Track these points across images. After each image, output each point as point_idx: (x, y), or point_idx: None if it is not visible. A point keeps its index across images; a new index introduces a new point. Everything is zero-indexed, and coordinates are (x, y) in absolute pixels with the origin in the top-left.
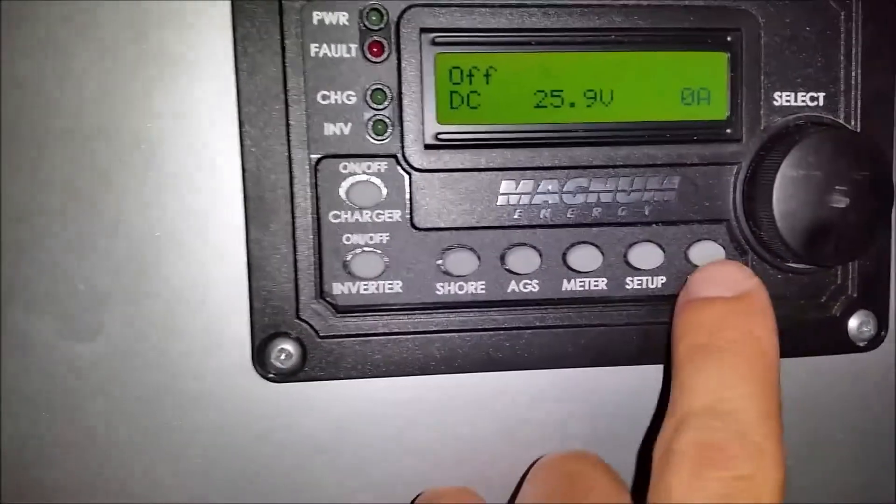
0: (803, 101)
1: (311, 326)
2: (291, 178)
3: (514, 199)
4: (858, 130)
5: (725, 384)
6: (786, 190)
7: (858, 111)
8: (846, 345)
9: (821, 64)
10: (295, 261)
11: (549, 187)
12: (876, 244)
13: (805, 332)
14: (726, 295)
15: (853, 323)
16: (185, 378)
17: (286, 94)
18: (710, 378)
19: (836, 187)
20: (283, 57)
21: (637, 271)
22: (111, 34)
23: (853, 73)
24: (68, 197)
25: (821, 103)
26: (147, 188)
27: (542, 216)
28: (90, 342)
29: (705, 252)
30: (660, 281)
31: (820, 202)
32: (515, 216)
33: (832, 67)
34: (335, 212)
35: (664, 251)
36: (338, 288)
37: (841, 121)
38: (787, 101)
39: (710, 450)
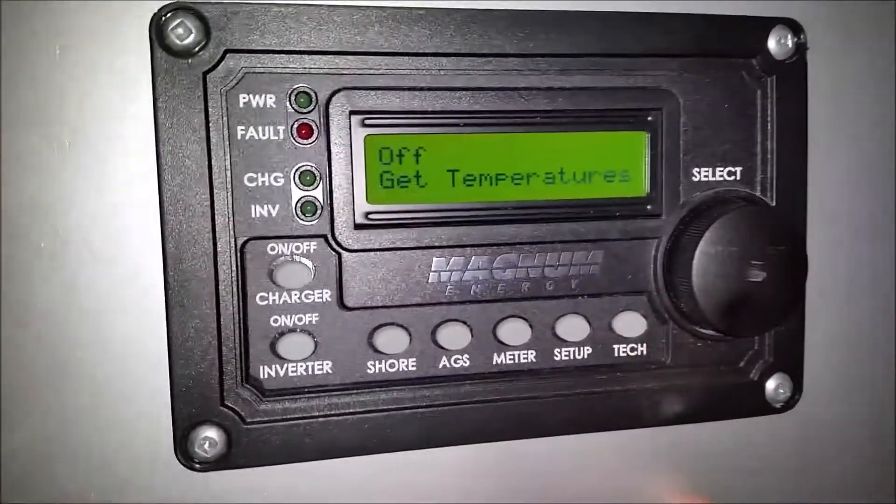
0: (721, 175)
1: (236, 413)
2: (216, 261)
3: (445, 276)
4: (774, 203)
5: None
6: (704, 265)
7: (774, 184)
8: (764, 407)
9: (738, 140)
10: (219, 346)
11: (480, 264)
12: (791, 315)
13: (724, 396)
14: None
15: (770, 386)
16: (109, 469)
17: (210, 177)
18: None
19: (753, 262)
20: (208, 139)
21: (564, 343)
22: (24, 117)
23: (769, 148)
24: None
25: (738, 177)
26: (66, 273)
27: (472, 292)
28: (10, 432)
29: (628, 322)
30: (586, 351)
31: (737, 276)
32: (447, 293)
33: (749, 143)
34: (262, 293)
35: (590, 323)
36: (265, 371)
37: (758, 194)
38: (706, 176)
39: None
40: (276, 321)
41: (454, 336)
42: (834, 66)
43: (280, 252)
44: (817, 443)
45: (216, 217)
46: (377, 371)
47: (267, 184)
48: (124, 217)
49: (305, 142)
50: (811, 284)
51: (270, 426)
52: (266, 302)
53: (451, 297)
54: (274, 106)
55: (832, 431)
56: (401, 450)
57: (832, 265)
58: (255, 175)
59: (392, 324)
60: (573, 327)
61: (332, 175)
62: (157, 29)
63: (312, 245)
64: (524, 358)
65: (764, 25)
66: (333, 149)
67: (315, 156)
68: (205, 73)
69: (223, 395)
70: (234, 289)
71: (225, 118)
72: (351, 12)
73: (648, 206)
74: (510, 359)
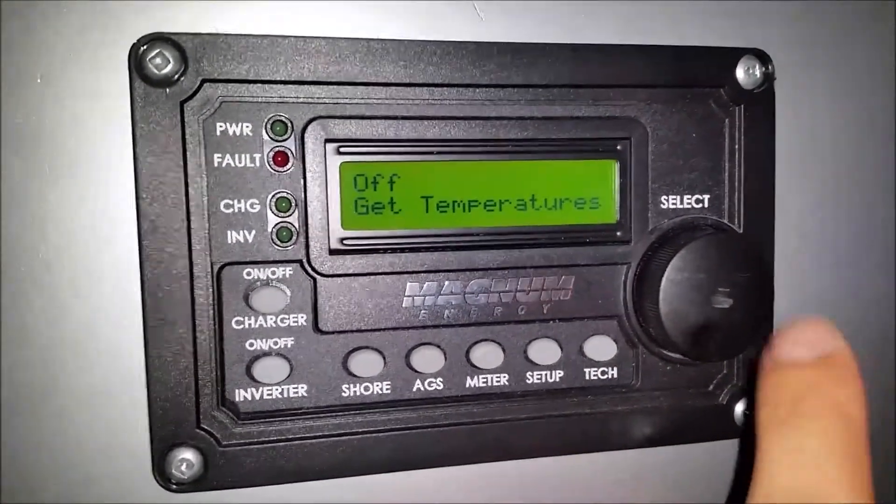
0: (689, 203)
1: (211, 435)
2: (192, 285)
3: (418, 301)
4: (741, 230)
5: (809, 461)
6: (671, 291)
7: (742, 212)
8: (733, 430)
9: (706, 168)
10: (196, 369)
11: (453, 289)
12: (758, 340)
13: (693, 419)
14: (809, 357)
15: (739, 409)
16: (90, 487)
17: (188, 203)
18: (793, 454)
19: (720, 289)
20: (186, 167)
21: (536, 366)
22: (5, 143)
23: (736, 176)
24: None
25: (706, 205)
26: (46, 294)
27: (445, 316)
28: None
29: (599, 346)
30: (558, 375)
31: (704, 303)
32: (420, 317)
33: (716, 171)
34: (238, 318)
35: (561, 347)
36: (240, 394)
37: (725, 221)
38: (674, 203)
39: None
40: (251, 345)
41: (428, 360)
42: (801, 95)
43: (256, 277)
44: None
45: (193, 242)
46: (352, 394)
47: (243, 210)
48: (103, 242)
49: (281, 169)
50: (779, 310)
51: (246, 448)
52: (242, 326)
53: (424, 321)
54: (250, 134)
55: None
56: (375, 472)
57: (799, 291)
58: (231, 202)
59: (366, 347)
60: (545, 351)
61: (308, 201)
62: (136, 58)
63: (288, 270)
64: (497, 381)
65: (732, 56)
66: (309, 176)
67: (291, 183)
68: (182, 102)
69: (199, 417)
70: (211, 312)
71: (202, 146)
72: (326, 43)
73: (618, 233)
74: (483, 382)
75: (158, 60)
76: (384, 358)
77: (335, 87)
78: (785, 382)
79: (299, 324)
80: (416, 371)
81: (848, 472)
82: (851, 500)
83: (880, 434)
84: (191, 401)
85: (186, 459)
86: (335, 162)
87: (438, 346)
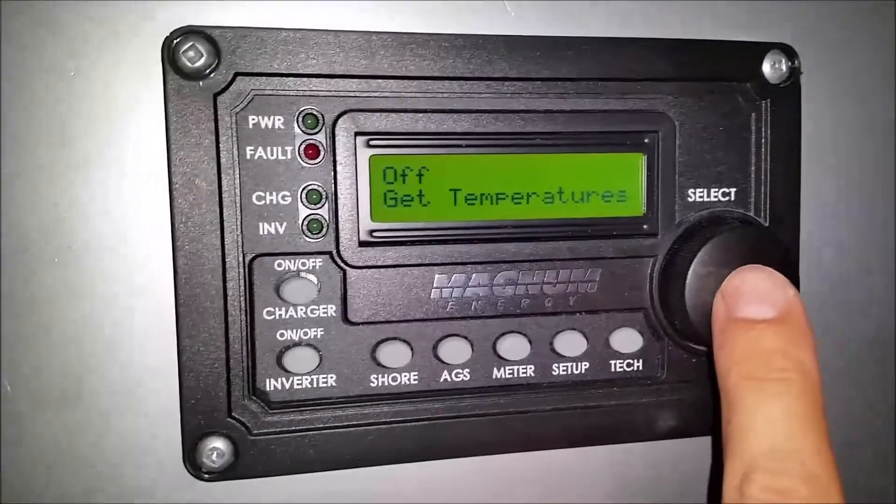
0: (716, 196)
1: (243, 424)
2: (224, 276)
3: (446, 293)
4: (767, 223)
5: (786, 423)
6: (697, 284)
7: (768, 205)
8: None
9: (732, 161)
10: (227, 359)
11: (480, 280)
12: None
13: (718, 411)
14: (770, 315)
15: None
16: (121, 478)
17: (220, 195)
18: (770, 417)
19: None
20: (218, 159)
21: (562, 358)
22: (40, 136)
23: (763, 170)
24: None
25: (732, 198)
26: (79, 286)
27: (473, 308)
28: (20, 438)
29: (625, 338)
30: (583, 366)
31: None
32: (448, 309)
33: (743, 165)
34: (269, 308)
35: (587, 339)
36: (271, 384)
37: (751, 214)
38: (701, 196)
39: (786, 495)
40: (282, 335)
41: (455, 351)
42: (827, 89)
43: (287, 268)
44: None
45: (225, 234)
46: (380, 384)
47: (275, 202)
48: (137, 234)
49: (312, 162)
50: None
51: (276, 437)
52: (273, 317)
53: (452, 312)
54: (282, 127)
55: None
56: (403, 461)
57: (825, 285)
58: (263, 194)
59: (395, 338)
60: (571, 343)
61: (338, 194)
62: (170, 52)
63: (318, 262)
64: (523, 372)
65: (759, 51)
66: (339, 169)
67: (321, 175)
68: (215, 95)
69: (230, 406)
70: (242, 304)
71: (234, 138)
72: (356, 37)
73: (645, 226)
74: (509, 373)
75: (191, 53)
76: (412, 349)
77: (366, 80)
78: (750, 344)
79: (329, 315)
80: (444, 362)
81: (815, 429)
82: (821, 455)
83: (880, 434)
84: (222, 390)
85: (217, 448)
86: (365, 155)
87: (466, 338)
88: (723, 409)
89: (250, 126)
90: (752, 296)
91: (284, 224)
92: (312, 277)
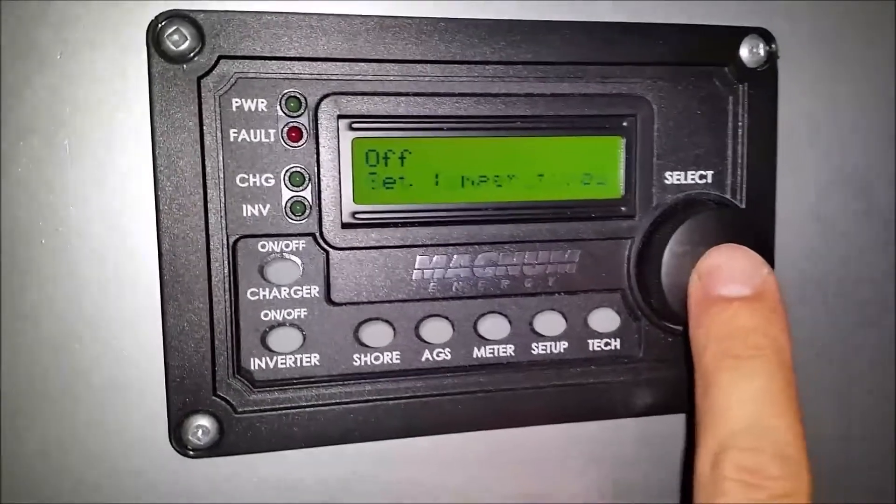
0: (693, 179)
1: (227, 402)
2: (209, 258)
3: (428, 274)
4: (744, 205)
5: (760, 402)
6: (673, 264)
7: (744, 187)
8: None
9: (710, 145)
10: (212, 338)
11: (461, 262)
12: None
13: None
14: (746, 293)
15: None
16: (106, 456)
17: (204, 178)
18: (745, 396)
19: None
20: (202, 141)
21: (542, 337)
22: (26, 120)
23: (740, 153)
24: None
25: (710, 181)
26: (66, 269)
27: (454, 288)
28: (10, 422)
29: (603, 318)
30: (563, 346)
31: None
32: (429, 289)
33: (720, 148)
34: (253, 289)
35: (566, 319)
36: (255, 363)
37: (728, 196)
38: (678, 179)
39: (757, 474)
40: (266, 315)
41: (436, 331)
42: (804, 74)
43: (270, 249)
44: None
45: (209, 216)
46: (362, 363)
47: (258, 184)
48: (122, 216)
49: (295, 144)
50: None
51: (260, 415)
52: (257, 297)
53: (433, 293)
54: (265, 110)
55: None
56: (385, 438)
57: (798, 267)
58: (246, 176)
59: (377, 319)
60: (550, 322)
61: (321, 176)
62: (154, 35)
63: (301, 243)
64: (503, 352)
65: (736, 35)
66: (322, 151)
67: (304, 158)
68: (199, 78)
69: (215, 385)
70: (227, 284)
71: (218, 121)
72: (339, 21)
73: (623, 208)
74: (490, 352)
75: (176, 37)
76: (394, 329)
77: (348, 63)
78: (730, 321)
79: (312, 295)
80: (425, 342)
81: (788, 408)
82: (793, 434)
83: (880, 434)
84: (207, 370)
85: (203, 426)
86: (348, 137)
87: (447, 318)
88: (697, 387)
89: (234, 109)
90: (728, 274)
91: (268, 206)
92: (296, 259)
